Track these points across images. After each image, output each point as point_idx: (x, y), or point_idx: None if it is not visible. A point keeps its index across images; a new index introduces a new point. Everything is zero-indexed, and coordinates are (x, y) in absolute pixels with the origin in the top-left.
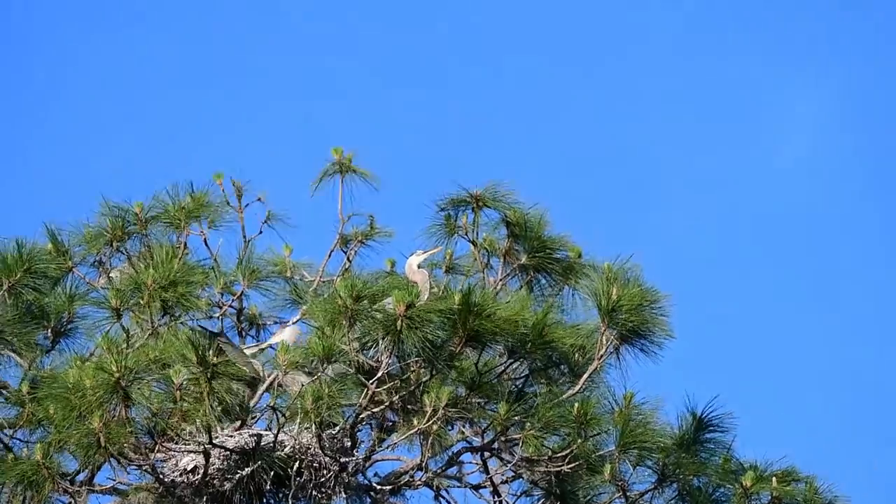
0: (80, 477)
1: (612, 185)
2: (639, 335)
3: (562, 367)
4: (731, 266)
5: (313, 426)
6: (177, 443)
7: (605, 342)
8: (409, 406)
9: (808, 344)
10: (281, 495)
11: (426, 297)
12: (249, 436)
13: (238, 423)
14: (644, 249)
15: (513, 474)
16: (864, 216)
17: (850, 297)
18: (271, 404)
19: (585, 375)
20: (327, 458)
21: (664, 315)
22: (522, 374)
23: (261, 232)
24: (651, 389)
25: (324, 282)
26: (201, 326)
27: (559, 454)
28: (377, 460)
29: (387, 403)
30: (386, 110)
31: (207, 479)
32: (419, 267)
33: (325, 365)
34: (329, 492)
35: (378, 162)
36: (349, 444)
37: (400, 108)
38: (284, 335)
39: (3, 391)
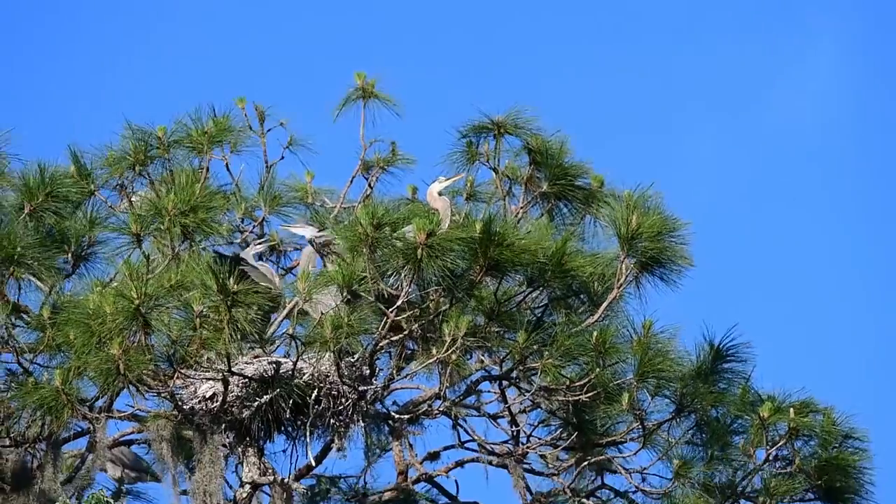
0: (99, 403)
1: (634, 110)
2: (658, 263)
3: (581, 296)
4: (753, 194)
5: (332, 354)
6: (196, 370)
7: (624, 270)
8: (428, 335)
9: (829, 275)
10: (299, 423)
11: (447, 224)
12: (268, 363)
13: (257, 351)
14: (666, 177)
15: (531, 404)
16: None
17: (870, 226)
18: (290, 332)
19: (605, 304)
20: (346, 387)
21: (684, 243)
22: (542, 304)
23: (282, 157)
24: (670, 318)
25: (345, 208)
26: (219, 253)
27: (577, 383)
28: (395, 389)
29: (406, 332)
30: (407, 36)
31: (226, 406)
32: (440, 194)
33: (345, 293)
34: (347, 420)
35: (400, 88)
36: (368, 372)
37: (421, 35)
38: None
39: (24, 315)
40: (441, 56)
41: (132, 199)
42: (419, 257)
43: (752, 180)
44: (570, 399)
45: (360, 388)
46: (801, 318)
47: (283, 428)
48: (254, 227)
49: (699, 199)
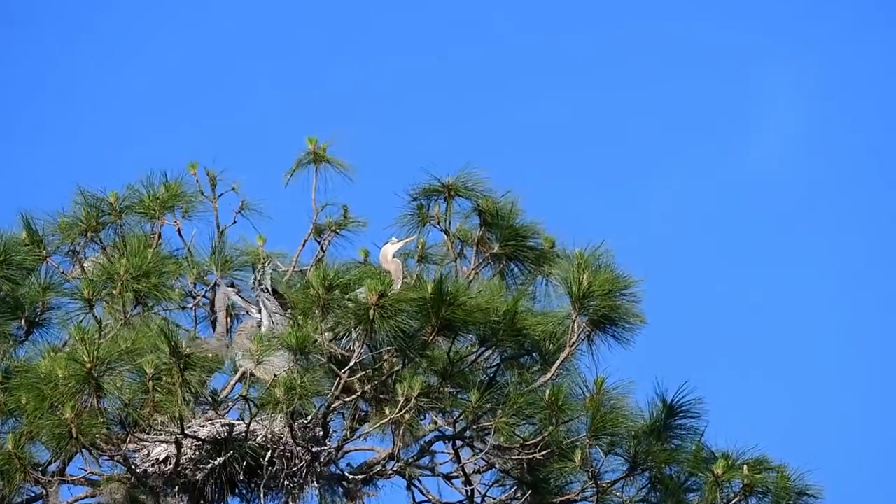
0: (52, 467)
1: (585, 168)
2: (610, 321)
3: (533, 355)
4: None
5: (285, 416)
6: (149, 433)
7: (576, 329)
8: (381, 395)
9: (779, 331)
10: (253, 485)
11: (399, 286)
12: (221, 425)
13: (209, 413)
14: (620, 233)
15: (485, 463)
16: (843, 203)
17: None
18: (243, 394)
19: (557, 363)
20: (299, 448)
21: (636, 301)
22: (494, 363)
23: (235, 221)
24: (623, 375)
25: (297, 272)
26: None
27: (531, 441)
28: (350, 450)
29: (359, 393)
30: (359, 98)
31: (179, 469)
32: (393, 256)
33: (298, 355)
34: (301, 481)
35: (351, 152)
36: (321, 433)
37: (372, 97)
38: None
39: None
40: (393, 118)
41: (84, 264)
42: (371, 318)
43: (703, 235)
44: (524, 458)
45: (314, 450)
46: (754, 372)
47: (237, 490)
48: (206, 291)
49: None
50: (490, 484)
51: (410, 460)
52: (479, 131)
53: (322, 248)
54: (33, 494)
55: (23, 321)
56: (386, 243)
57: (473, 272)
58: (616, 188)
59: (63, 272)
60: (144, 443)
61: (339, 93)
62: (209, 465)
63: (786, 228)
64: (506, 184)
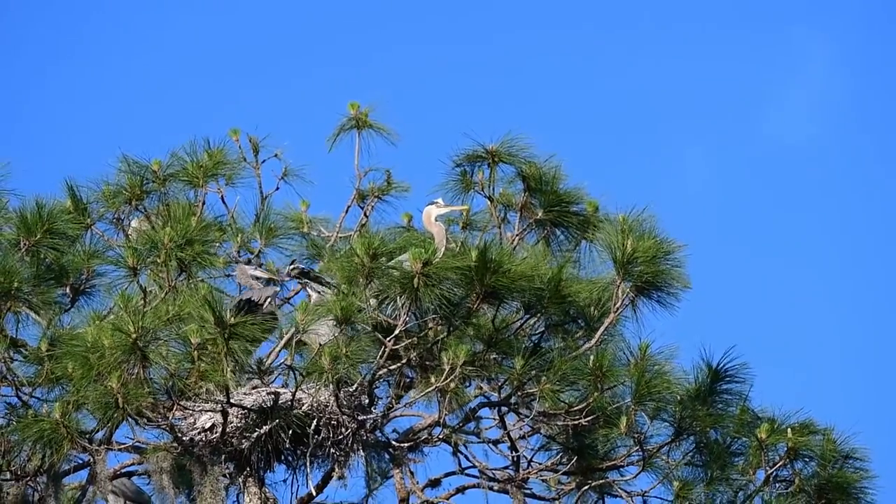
0: (99, 435)
1: (626, 133)
2: (654, 287)
3: (578, 321)
4: (748, 212)
5: (331, 384)
6: (194, 402)
7: (620, 295)
8: (426, 363)
9: (827, 294)
10: (299, 453)
11: (442, 251)
12: (267, 394)
13: (255, 381)
14: (662, 198)
15: (530, 429)
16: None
17: (868, 243)
18: (288, 362)
19: (601, 329)
20: (345, 416)
21: (679, 266)
22: (539, 330)
23: (277, 188)
24: (667, 341)
25: (341, 237)
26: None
27: (576, 407)
28: (395, 417)
29: (404, 360)
30: (402, 65)
31: (225, 437)
32: (436, 220)
33: (343, 324)
34: (347, 449)
35: (394, 117)
36: (367, 401)
37: (416, 63)
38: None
39: (23, 349)
40: (435, 80)
41: (131, 224)
42: (416, 286)
43: (748, 198)
44: (569, 424)
45: (360, 418)
46: (799, 336)
47: (283, 458)
48: (250, 258)
49: (695, 219)
50: (536, 449)
51: (456, 427)
52: (521, 99)
53: (365, 214)
54: (81, 462)
55: (68, 289)
56: (431, 204)
57: (518, 238)
58: (653, 151)
59: (107, 240)
60: (190, 411)
61: (381, 57)
62: (255, 434)
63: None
64: (549, 146)
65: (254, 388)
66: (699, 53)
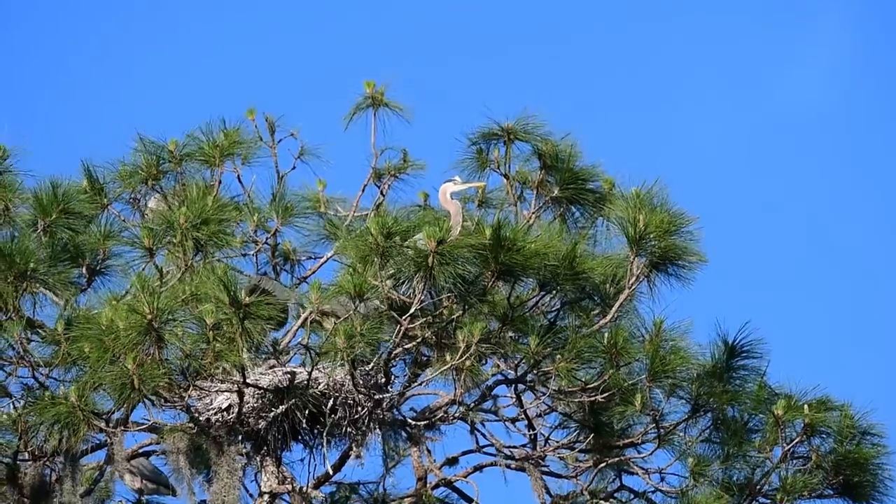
0: (116, 416)
1: (638, 104)
2: (669, 261)
3: (594, 298)
4: (764, 183)
5: (347, 364)
6: (211, 382)
7: (634, 270)
8: (442, 341)
9: (842, 267)
10: (316, 432)
11: (458, 229)
12: (283, 374)
13: (271, 361)
14: (676, 171)
15: (547, 407)
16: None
17: (883, 212)
18: (304, 342)
19: (616, 305)
20: (361, 395)
21: (693, 239)
22: (555, 307)
23: (294, 167)
24: (684, 316)
25: (358, 216)
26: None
27: (592, 385)
28: (412, 395)
29: (420, 339)
30: (416, 42)
31: (242, 417)
32: (452, 197)
33: (356, 302)
34: (364, 428)
35: (409, 94)
36: (383, 380)
37: (431, 40)
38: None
39: (39, 330)
40: (449, 59)
41: (149, 204)
42: (430, 265)
43: (762, 169)
44: (586, 401)
45: (376, 396)
46: (816, 311)
47: (299, 437)
48: (267, 238)
49: (708, 191)
50: (553, 427)
51: (473, 405)
52: (535, 73)
53: (382, 193)
54: (98, 442)
55: (84, 269)
56: (447, 181)
57: (534, 216)
58: (665, 118)
59: (124, 220)
60: (206, 392)
61: (396, 35)
62: (272, 414)
63: (843, 156)
64: (564, 122)
65: (270, 367)
66: (710, 23)
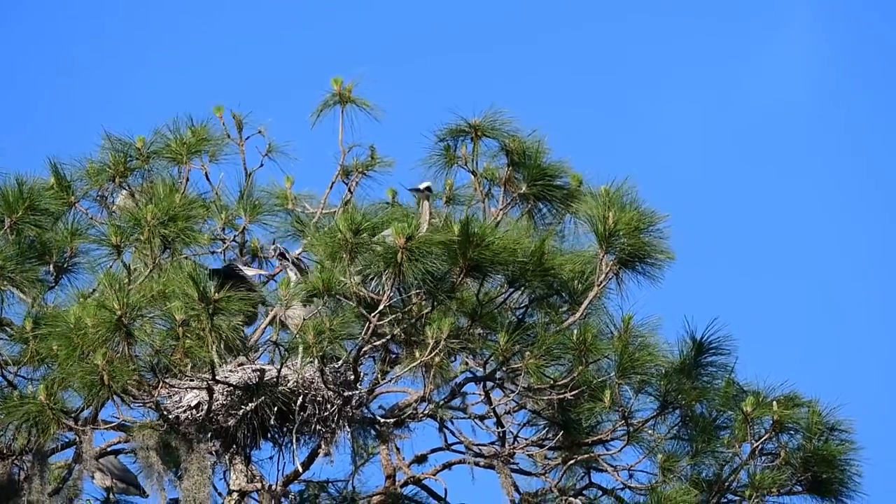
0: (85, 414)
1: (607, 100)
2: (638, 259)
3: (562, 294)
4: (731, 177)
5: (316, 360)
6: (180, 379)
7: (603, 268)
8: (411, 338)
9: (811, 261)
10: (285, 429)
11: (425, 227)
12: (252, 371)
13: (240, 358)
14: (646, 167)
15: (516, 404)
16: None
17: (856, 206)
18: (273, 339)
19: (585, 302)
20: (331, 392)
21: (663, 237)
22: (523, 304)
23: (262, 164)
24: (652, 312)
25: (326, 213)
26: (205, 266)
27: (561, 382)
28: (381, 393)
29: (389, 336)
30: (383, 39)
31: (211, 414)
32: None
33: (325, 298)
34: (333, 425)
35: (376, 91)
36: (353, 377)
37: (397, 37)
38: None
39: (7, 328)
40: (416, 56)
41: (116, 202)
42: (399, 261)
43: (735, 164)
44: (555, 398)
45: (346, 394)
46: (784, 308)
47: (269, 435)
48: (235, 235)
49: (679, 187)
50: (522, 424)
51: (442, 402)
52: (502, 71)
53: (350, 190)
54: (67, 440)
55: (51, 267)
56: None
57: (501, 212)
58: (636, 115)
59: (91, 217)
60: (176, 389)
61: (361, 35)
62: (241, 411)
63: (809, 152)
64: (532, 116)
65: (239, 364)
66: (680, 17)
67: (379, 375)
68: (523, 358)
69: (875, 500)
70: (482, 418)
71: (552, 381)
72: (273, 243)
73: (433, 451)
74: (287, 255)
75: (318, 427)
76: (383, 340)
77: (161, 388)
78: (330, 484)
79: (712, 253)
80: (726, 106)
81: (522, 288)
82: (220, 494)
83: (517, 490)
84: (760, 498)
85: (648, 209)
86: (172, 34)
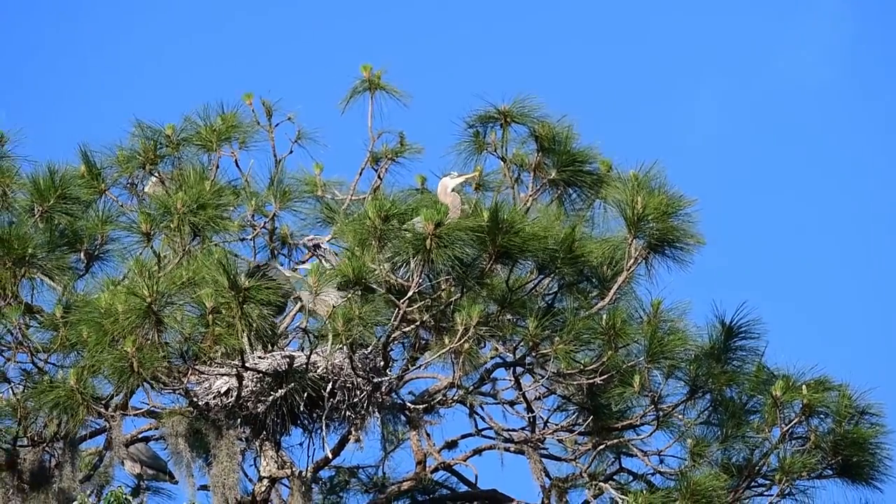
0: (115, 400)
1: (636, 82)
2: (667, 243)
3: (592, 280)
4: (762, 163)
5: (345, 347)
6: (210, 366)
7: (632, 253)
8: (440, 324)
9: (841, 244)
10: (314, 416)
11: (455, 217)
12: (282, 357)
13: (269, 346)
14: (674, 152)
15: (546, 390)
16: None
17: (882, 187)
18: (303, 325)
19: (615, 287)
20: (360, 379)
21: (691, 221)
22: (553, 290)
23: (291, 151)
24: (681, 296)
25: (355, 200)
26: (235, 253)
27: (591, 367)
28: (410, 379)
29: (418, 322)
30: (413, 25)
31: (241, 401)
32: (453, 190)
33: (354, 286)
34: (363, 412)
35: (406, 78)
36: (382, 363)
37: (427, 23)
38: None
39: (37, 315)
40: (445, 42)
41: (146, 189)
42: (428, 248)
43: (762, 146)
44: (585, 383)
45: (375, 380)
46: (814, 291)
47: (298, 421)
48: (265, 222)
49: (707, 170)
50: (552, 410)
51: (472, 388)
52: (533, 57)
53: (379, 177)
54: (97, 427)
55: (82, 254)
56: (445, 175)
57: (531, 199)
58: (663, 99)
59: (121, 205)
60: (205, 376)
61: (392, 18)
62: (270, 398)
63: (833, 133)
64: (561, 101)
65: (269, 351)
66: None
67: (409, 361)
68: (553, 343)
69: None
70: (512, 404)
71: (582, 367)
72: (310, 238)
73: (463, 436)
74: (320, 246)
75: (347, 413)
76: (413, 327)
77: (191, 374)
78: (360, 470)
79: (742, 236)
80: (753, 85)
81: (552, 274)
82: (250, 481)
83: (547, 475)
84: (791, 482)
85: (677, 193)
86: (203, 21)
